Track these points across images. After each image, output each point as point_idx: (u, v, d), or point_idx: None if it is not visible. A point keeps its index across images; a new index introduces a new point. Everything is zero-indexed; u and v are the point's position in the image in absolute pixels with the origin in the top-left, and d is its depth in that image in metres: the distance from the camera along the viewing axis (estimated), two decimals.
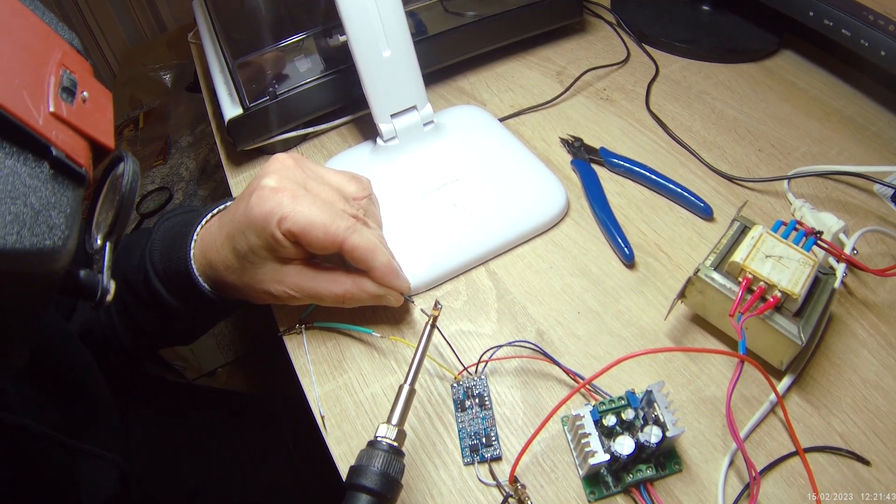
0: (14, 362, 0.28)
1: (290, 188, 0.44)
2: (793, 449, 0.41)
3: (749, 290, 0.42)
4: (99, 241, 0.28)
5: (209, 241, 0.48)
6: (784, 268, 0.42)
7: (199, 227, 0.50)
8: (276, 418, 0.84)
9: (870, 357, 0.46)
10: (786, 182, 0.58)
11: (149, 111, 1.62)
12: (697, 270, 0.44)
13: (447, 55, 0.73)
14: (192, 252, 0.49)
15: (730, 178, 0.60)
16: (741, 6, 0.77)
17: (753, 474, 0.39)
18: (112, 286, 0.28)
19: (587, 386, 0.45)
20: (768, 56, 0.76)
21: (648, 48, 0.78)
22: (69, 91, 0.27)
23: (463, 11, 0.72)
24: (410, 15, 0.69)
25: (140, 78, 1.64)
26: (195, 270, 0.48)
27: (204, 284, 0.49)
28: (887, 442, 0.42)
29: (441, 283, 0.54)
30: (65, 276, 0.26)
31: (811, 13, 0.65)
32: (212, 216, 0.51)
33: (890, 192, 0.58)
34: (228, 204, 0.51)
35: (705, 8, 0.81)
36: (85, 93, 0.28)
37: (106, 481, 0.51)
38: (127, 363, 0.64)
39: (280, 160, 0.47)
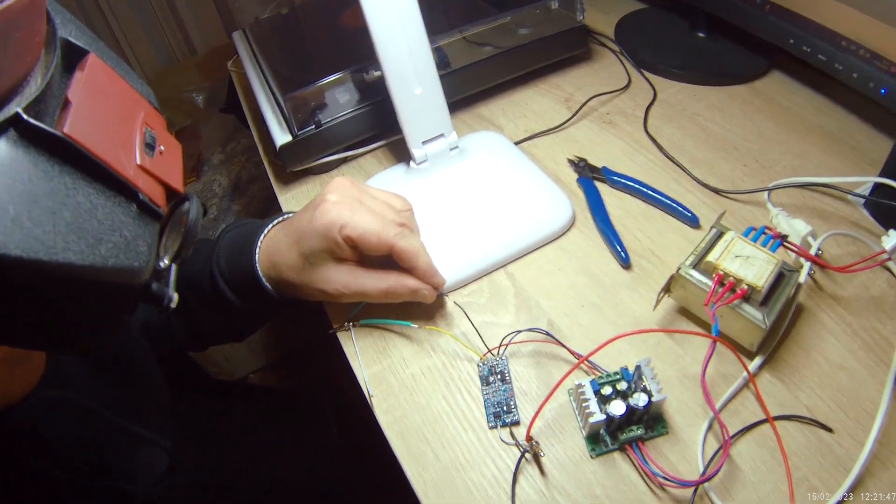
0: (98, 347, 0.35)
1: (348, 202, 0.51)
2: (764, 417, 0.46)
3: (721, 284, 0.48)
4: (166, 261, 0.33)
5: (273, 246, 0.55)
6: (750, 266, 0.48)
7: (263, 235, 0.56)
8: (320, 408, 0.89)
9: (836, 343, 0.51)
10: (766, 193, 0.63)
11: (180, 130, 1.67)
12: (679, 269, 0.51)
13: (469, 86, 0.80)
14: (257, 256, 0.55)
15: (716, 191, 0.65)
16: (734, 32, 0.80)
17: (726, 437, 0.44)
18: (175, 297, 0.33)
19: (588, 363, 0.51)
20: (758, 77, 0.80)
21: (648, 74, 0.83)
22: (150, 146, 0.32)
23: (482, 46, 0.78)
24: (436, 50, 0.75)
25: (172, 99, 1.69)
26: (259, 271, 0.55)
27: (266, 284, 0.55)
28: (849, 413, 0.46)
29: (467, 284, 0.60)
30: (143, 287, 0.31)
31: (791, 41, 0.69)
32: (272, 227, 0.57)
33: (862, 199, 0.62)
34: (286, 217, 0.58)
35: (700, 35, 0.85)
36: (162, 147, 0.33)
37: (157, 465, 0.55)
38: (179, 357, 0.69)
39: (339, 181, 0.54)
